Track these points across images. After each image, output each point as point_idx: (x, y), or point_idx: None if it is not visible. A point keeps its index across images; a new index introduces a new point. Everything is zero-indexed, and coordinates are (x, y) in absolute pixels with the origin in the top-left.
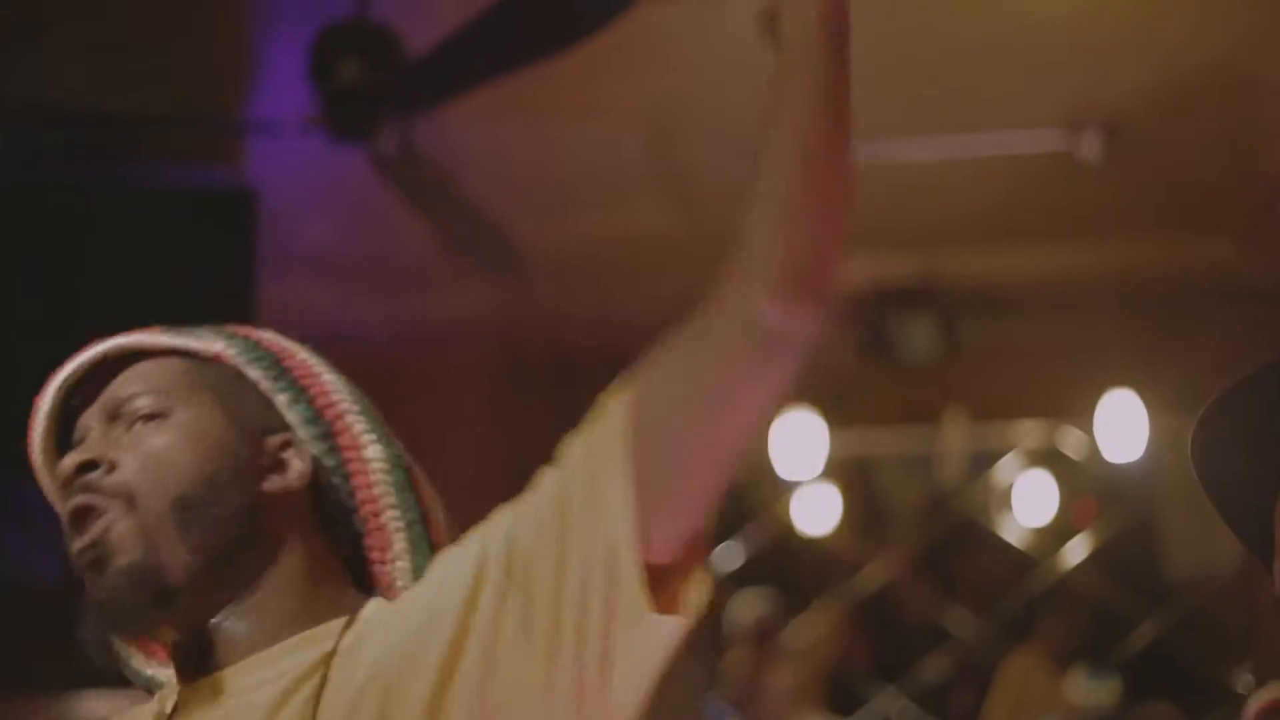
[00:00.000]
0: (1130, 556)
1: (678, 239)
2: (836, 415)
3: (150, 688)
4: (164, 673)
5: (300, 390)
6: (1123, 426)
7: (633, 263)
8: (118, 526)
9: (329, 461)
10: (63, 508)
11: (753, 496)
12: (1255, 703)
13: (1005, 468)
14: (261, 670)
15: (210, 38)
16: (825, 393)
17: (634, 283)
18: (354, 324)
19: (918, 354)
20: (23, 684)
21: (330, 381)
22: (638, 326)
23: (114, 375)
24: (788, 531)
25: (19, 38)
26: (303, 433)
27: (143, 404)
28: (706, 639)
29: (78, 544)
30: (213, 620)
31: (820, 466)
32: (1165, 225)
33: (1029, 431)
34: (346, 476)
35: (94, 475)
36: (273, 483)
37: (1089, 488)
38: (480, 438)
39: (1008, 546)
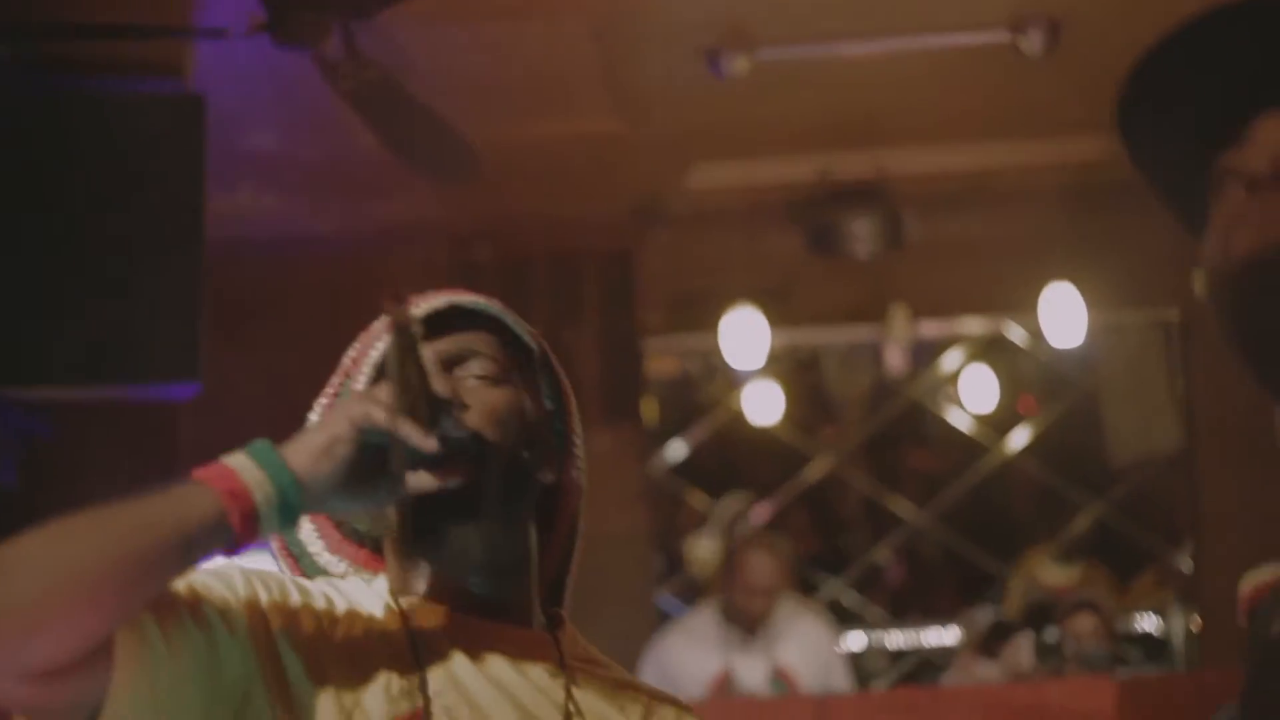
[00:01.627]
0: (1072, 443)
1: (622, 140)
2: (783, 311)
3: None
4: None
5: (561, 403)
6: (1063, 318)
7: (578, 164)
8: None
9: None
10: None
11: (704, 390)
12: (1248, 584)
13: (950, 359)
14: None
15: None
16: (772, 289)
17: (579, 183)
18: (302, 227)
19: (862, 250)
20: None
21: (574, 405)
22: (584, 225)
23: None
24: (736, 424)
25: None
26: (554, 440)
27: (482, 366)
28: (659, 534)
29: (458, 455)
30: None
31: (765, 359)
32: (1108, 120)
33: (973, 323)
34: (557, 501)
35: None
36: (544, 475)
37: (1032, 378)
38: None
39: (953, 434)
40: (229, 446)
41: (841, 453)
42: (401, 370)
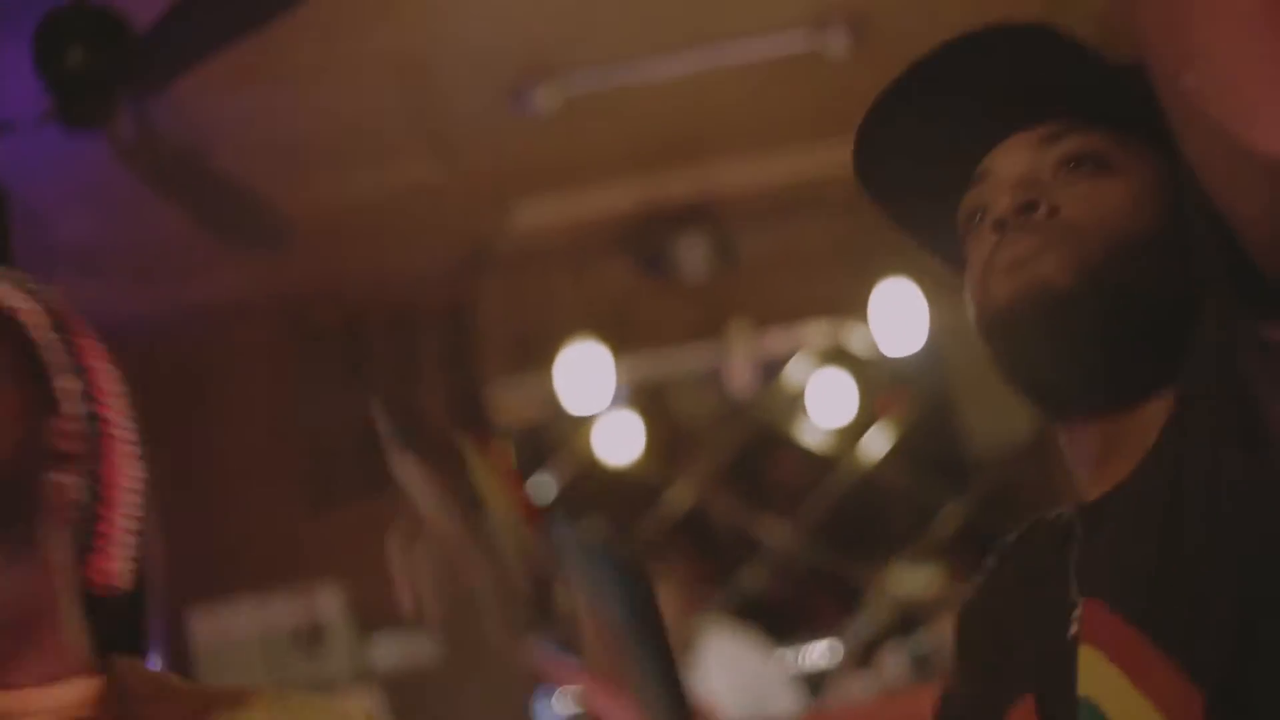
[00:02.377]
0: (930, 444)
1: (443, 186)
2: (623, 341)
3: None
4: None
5: (87, 377)
6: (903, 315)
7: (402, 216)
8: None
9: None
10: None
11: (553, 431)
12: None
13: (795, 370)
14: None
15: None
16: (609, 320)
17: (407, 236)
18: (124, 316)
19: (696, 271)
20: None
21: (109, 375)
22: (418, 279)
23: None
24: (593, 461)
25: None
26: (78, 427)
27: None
28: (526, 579)
29: None
30: None
31: (610, 396)
32: None
33: (816, 333)
34: (97, 482)
35: None
36: (55, 476)
37: (883, 380)
38: (273, 408)
39: (807, 450)
40: None
41: (701, 480)
42: None
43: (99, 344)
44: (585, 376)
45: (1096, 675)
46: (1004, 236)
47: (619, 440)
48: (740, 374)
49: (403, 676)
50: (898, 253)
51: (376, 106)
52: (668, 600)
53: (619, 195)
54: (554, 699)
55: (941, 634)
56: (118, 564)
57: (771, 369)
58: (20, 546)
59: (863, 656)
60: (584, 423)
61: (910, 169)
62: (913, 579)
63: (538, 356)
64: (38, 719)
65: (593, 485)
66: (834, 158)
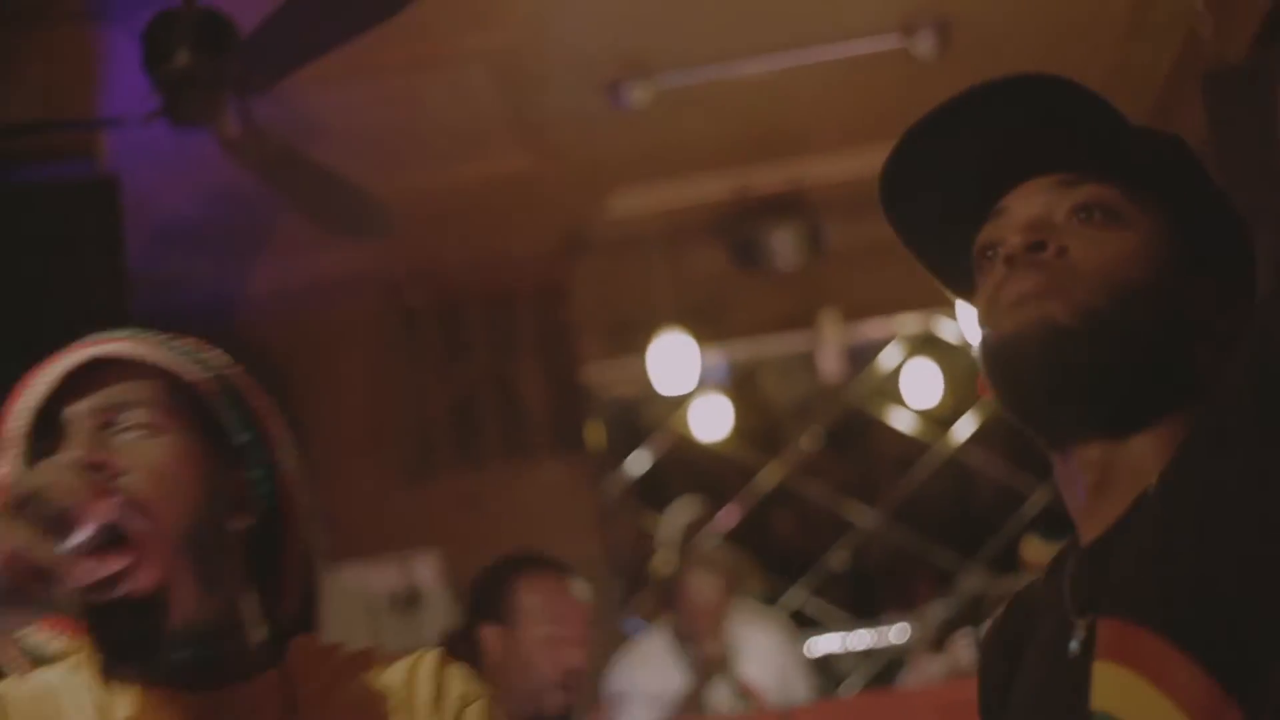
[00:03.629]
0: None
1: (539, 177)
2: (715, 327)
3: (36, 658)
4: (57, 646)
5: (258, 430)
6: None
7: (499, 204)
8: (140, 560)
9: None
10: (40, 508)
11: (647, 410)
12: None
13: (886, 357)
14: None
15: (55, 46)
16: (701, 306)
17: (504, 223)
18: (230, 294)
19: (788, 260)
20: None
21: (281, 428)
22: (514, 263)
23: (89, 379)
24: (685, 443)
25: None
26: (254, 474)
27: (137, 416)
28: (617, 558)
29: (93, 570)
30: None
31: (702, 379)
32: None
33: (906, 322)
34: (278, 519)
35: (100, 477)
36: (235, 521)
37: (972, 368)
38: (374, 387)
39: (897, 434)
40: None
41: (790, 461)
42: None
43: (266, 398)
44: (678, 360)
45: (1120, 690)
46: (1012, 272)
47: (711, 421)
48: (830, 360)
49: None
50: None
51: (475, 100)
52: (709, 588)
53: (712, 185)
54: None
55: None
56: (293, 585)
57: (862, 355)
58: (214, 578)
59: (938, 640)
60: (677, 403)
61: (933, 201)
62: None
63: (632, 339)
64: (229, 714)
65: (685, 463)
66: None
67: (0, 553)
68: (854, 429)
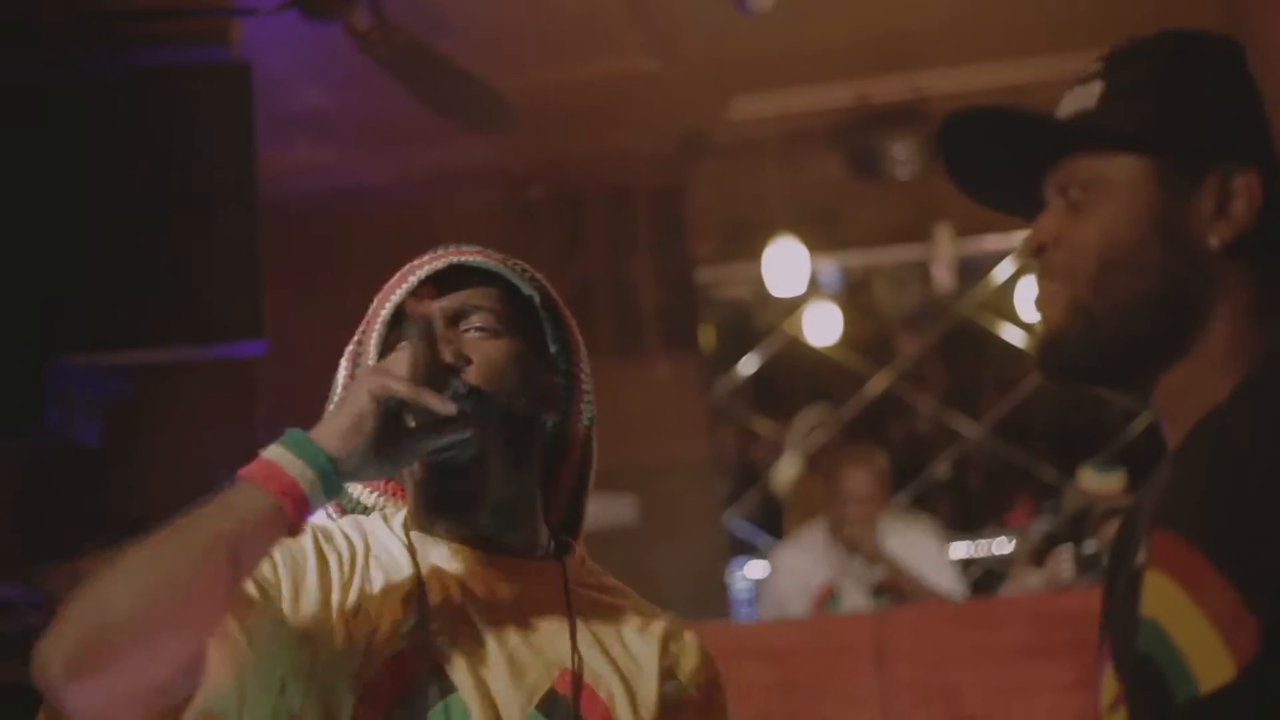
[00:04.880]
0: None
1: (660, 78)
2: (830, 235)
3: (354, 509)
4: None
5: (565, 345)
6: None
7: (620, 103)
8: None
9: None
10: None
11: (760, 315)
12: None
13: (1000, 272)
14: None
15: None
16: (817, 213)
17: (623, 121)
18: (356, 180)
19: (905, 171)
20: (64, 549)
21: (581, 345)
22: (632, 162)
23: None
24: (797, 346)
25: None
26: (559, 380)
27: (482, 320)
28: (725, 459)
29: (462, 432)
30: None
31: (815, 284)
32: (1145, 30)
33: (1019, 238)
34: (566, 421)
35: (465, 372)
36: (542, 416)
37: None
38: None
39: (1008, 347)
40: (304, 396)
41: (897, 370)
42: (417, 351)
43: (572, 318)
44: (791, 265)
45: (1161, 597)
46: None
47: (822, 327)
48: (944, 272)
49: (606, 536)
50: None
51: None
52: (865, 483)
53: (832, 93)
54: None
55: (1105, 539)
56: (565, 490)
57: (975, 268)
58: (522, 462)
59: (1038, 554)
60: (789, 307)
61: (997, 144)
62: (1089, 482)
63: (747, 243)
64: (515, 578)
65: (794, 368)
66: (1049, 67)
67: (373, 392)
68: (963, 341)
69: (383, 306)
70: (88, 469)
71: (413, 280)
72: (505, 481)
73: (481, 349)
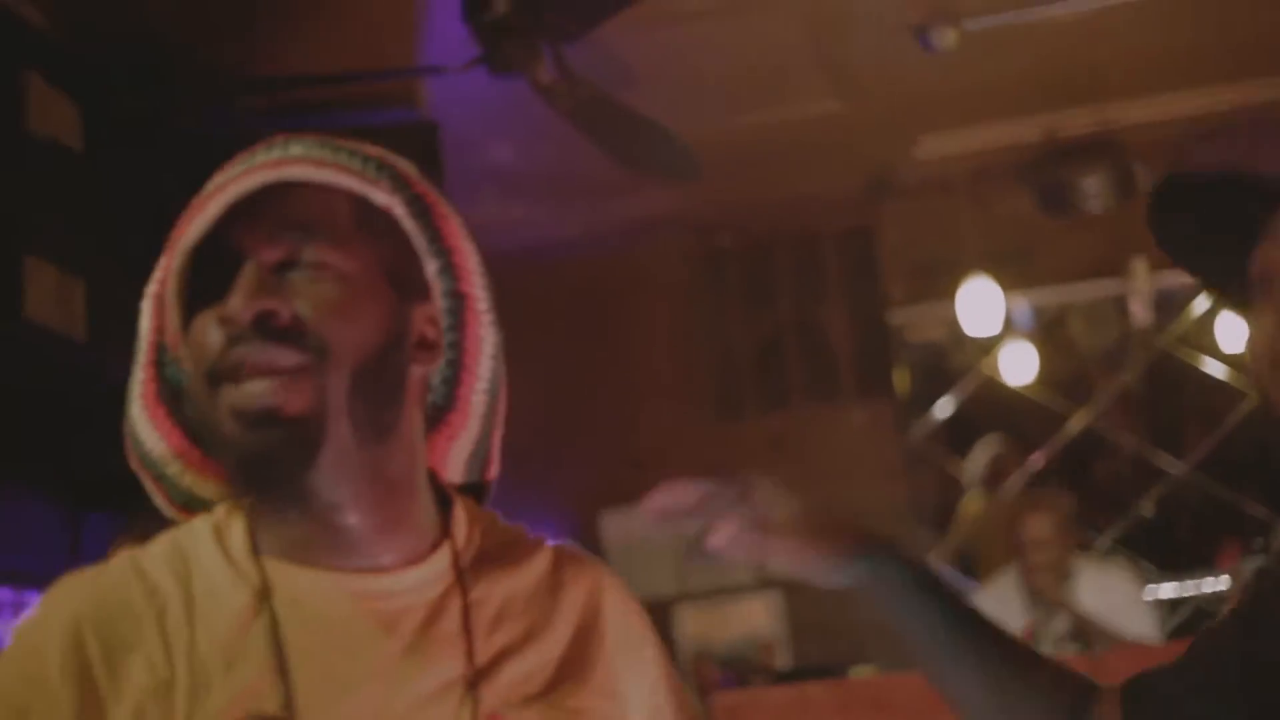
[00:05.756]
0: None
1: (846, 120)
2: (1022, 272)
3: (192, 507)
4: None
5: (448, 258)
6: None
7: (806, 147)
8: (302, 383)
9: (447, 337)
10: (216, 341)
11: (955, 354)
12: None
13: (1198, 304)
14: (406, 579)
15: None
16: (1009, 250)
17: (810, 165)
18: (545, 235)
19: (1097, 204)
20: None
21: (470, 252)
22: (821, 205)
23: (266, 203)
24: (992, 387)
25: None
26: (441, 303)
27: (314, 254)
28: (923, 503)
29: (257, 390)
30: (340, 508)
31: (1009, 323)
32: None
33: None
34: (458, 354)
35: (275, 324)
36: (419, 360)
37: None
38: (681, 328)
39: (1210, 380)
40: (508, 453)
41: (1097, 408)
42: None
43: (457, 221)
44: (984, 304)
45: None
46: None
47: (1019, 365)
48: (1141, 306)
49: (802, 583)
50: None
51: (783, 43)
52: (1048, 528)
53: (1019, 128)
54: None
55: None
56: (463, 433)
57: (1173, 301)
58: (386, 430)
59: None
60: (983, 347)
61: (1199, 226)
62: None
63: (938, 283)
64: (404, 598)
65: (991, 409)
66: (1237, 94)
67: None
68: (1163, 376)
69: (177, 250)
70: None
71: (217, 204)
72: (364, 464)
73: (315, 294)
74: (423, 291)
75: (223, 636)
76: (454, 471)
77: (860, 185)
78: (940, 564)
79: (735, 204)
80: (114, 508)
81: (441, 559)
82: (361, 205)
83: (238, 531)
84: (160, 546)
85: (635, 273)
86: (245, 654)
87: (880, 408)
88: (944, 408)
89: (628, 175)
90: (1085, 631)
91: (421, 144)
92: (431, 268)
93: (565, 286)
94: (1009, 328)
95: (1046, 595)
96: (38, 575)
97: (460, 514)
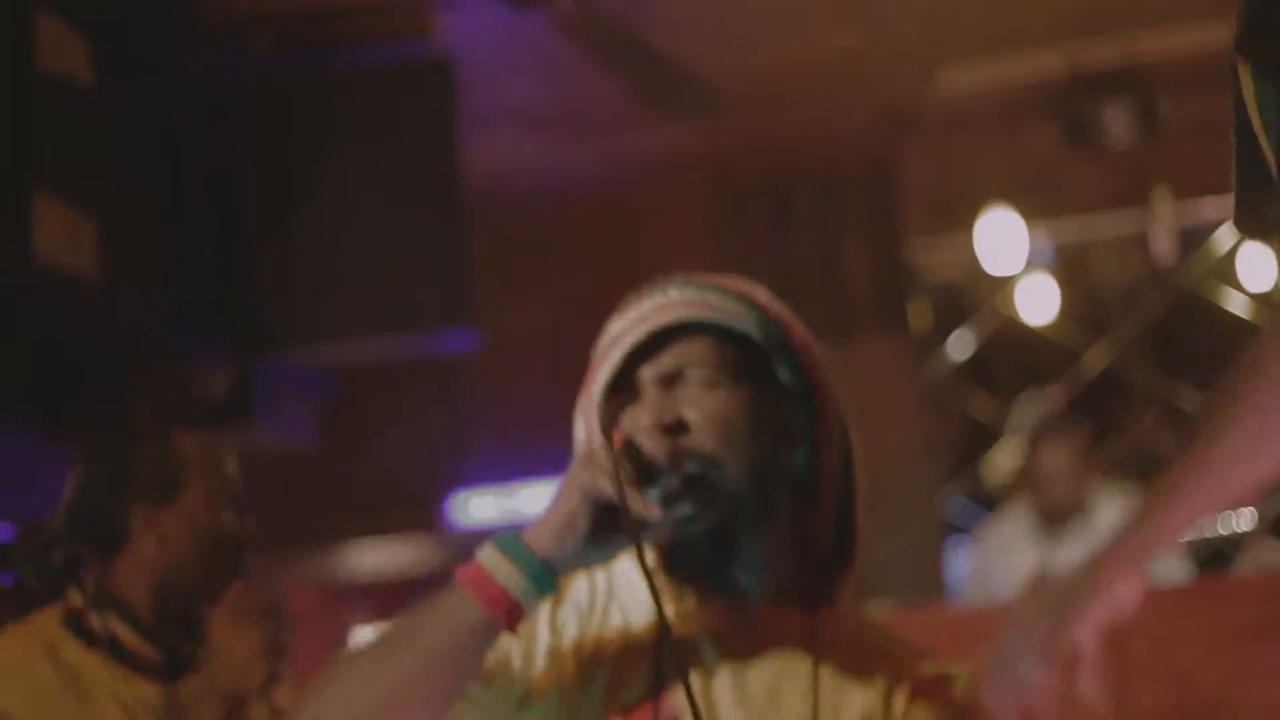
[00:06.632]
0: None
1: (868, 53)
2: (1044, 206)
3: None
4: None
5: (810, 390)
6: None
7: (828, 81)
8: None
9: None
10: (632, 457)
11: (973, 290)
12: None
13: (1220, 238)
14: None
15: None
16: (1031, 184)
17: (832, 100)
18: (564, 170)
19: (1121, 137)
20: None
21: (831, 384)
22: (842, 140)
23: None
24: (1012, 323)
25: None
26: (800, 417)
27: (699, 375)
28: (943, 437)
29: (682, 503)
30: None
31: (1030, 259)
32: None
33: None
34: (815, 475)
35: (679, 435)
36: (785, 455)
37: None
38: (700, 266)
39: (1231, 317)
40: (511, 395)
41: (1119, 344)
42: (617, 469)
43: (814, 345)
44: (1005, 238)
45: None
46: None
47: (1038, 302)
48: (1163, 241)
49: None
50: None
51: None
52: (1062, 460)
53: (1044, 61)
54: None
55: None
56: (828, 524)
57: (1195, 236)
58: (771, 513)
59: (1277, 527)
60: (1003, 283)
61: None
62: None
63: (959, 218)
64: (764, 632)
65: (1010, 346)
66: None
67: (584, 488)
68: (1186, 312)
69: (596, 374)
70: (298, 466)
71: (619, 351)
72: (753, 537)
73: (700, 405)
74: (783, 400)
75: (626, 631)
76: None
77: (882, 120)
78: (964, 499)
79: (755, 140)
80: None
81: (801, 621)
82: (731, 337)
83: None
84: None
85: (653, 211)
86: (639, 648)
87: (897, 344)
88: (961, 345)
89: (646, 112)
90: None
91: (434, 80)
92: (788, 382)
93: (583, 226)
94: (1029, 264)
95: (1061, 529)
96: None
97: (840, 594)
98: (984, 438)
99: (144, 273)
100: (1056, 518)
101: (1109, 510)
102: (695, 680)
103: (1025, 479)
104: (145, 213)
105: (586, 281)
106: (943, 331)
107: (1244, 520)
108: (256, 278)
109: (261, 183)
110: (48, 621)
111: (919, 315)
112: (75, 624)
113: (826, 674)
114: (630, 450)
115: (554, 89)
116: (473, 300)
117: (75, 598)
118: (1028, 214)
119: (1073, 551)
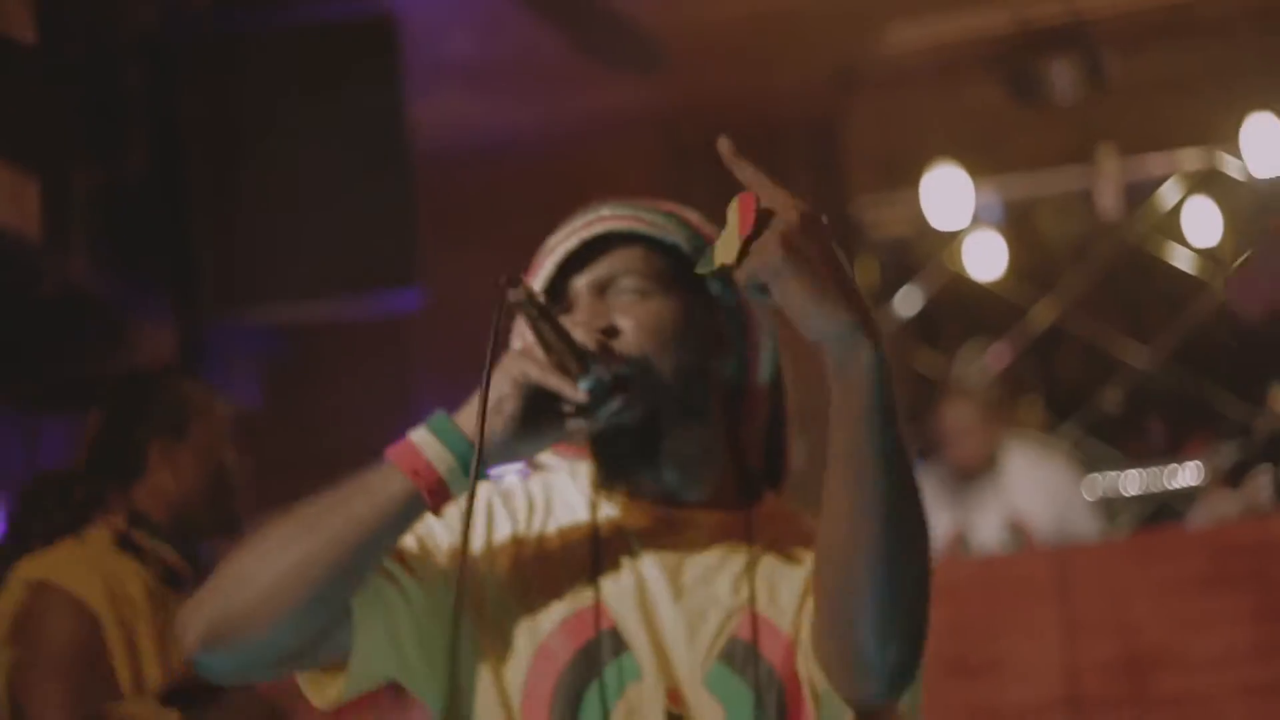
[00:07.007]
0: None
1: (810, 11)
2: (990, 162)
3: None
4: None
5: (740, 304)
6: (1268, 147)
7: (772, 38)
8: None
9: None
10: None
11: (920, 247)
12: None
13: (1165, 194)
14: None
15: None
16: (976, 141)
17: (776, 57)
18: (507, 128)
19: (1066, 93)
20: None
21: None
22: (786, 98)
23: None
24: (959, 278)
25: None
26: (732, 336)
27: (630, 283)
28: None
29: (613, 404)
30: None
31: (976, 215)
32: None
33: (1186, 158)
34: (745, 386)
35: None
36: (715, 360)
37: (1253, 206)
38: None
39: (1176, 272)
40: (458, 353)
41: (1064, 300)
42: (540, 337)
43: None
44: (951, 195)
45: None
46: None
47: (985, 257)
48: (1108, 197)
49: None
50: (1272, 76)
51: None
52: (967, 418)
53: (989, 18)
54: None
55: None
56: (757, 430)
57: (1141, 191)
58: (700, 416)
59: (1233, 478)
60: (950, 239)
61: None
62: None
63: (904, 174)
64: (696, 530)
65: (957, 302)
66: None
67: (514, 377)
68: (1130, 267)
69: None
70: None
71: (552, 261)
72: (681, 437)
73: (632, 313)
74: (711, 306)
75: (562, 540)
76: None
77: (826, 78)
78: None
79: (699, 98)
80: (72, 411)
81: (731, 514)
82: (658, 246)
83: (584, 474)
84: (532, 481)
85: (597, 167)
86: (575, 557)
87: None
88: (909, 301)
89: (591, 68)
90: (1016, 529)
91: (379, 37)
92: (715, 288)
93: (526, 181)
94: (975, 220)
95: (980, 488)
96: None
97: (769, 495)
98: (932, 394)
99: (88, 233)
100: (965, 475)
101: (1019, 465)
102: (631, 580)
103: (934, 438)
104: (89, 172)
105: (532, 239)
106: (890, 288)
107: (1189, 474)
108: (202, 238)
109: (206, 142)
110: (100, 538)
111: (866, 272)
112: (126, 543)
113: (761, 562)
114: (561, 332)
115: (498, 45)
116: (421, 259)
117: (118, 521)
118: (974, 170)
119: (986, 511)
